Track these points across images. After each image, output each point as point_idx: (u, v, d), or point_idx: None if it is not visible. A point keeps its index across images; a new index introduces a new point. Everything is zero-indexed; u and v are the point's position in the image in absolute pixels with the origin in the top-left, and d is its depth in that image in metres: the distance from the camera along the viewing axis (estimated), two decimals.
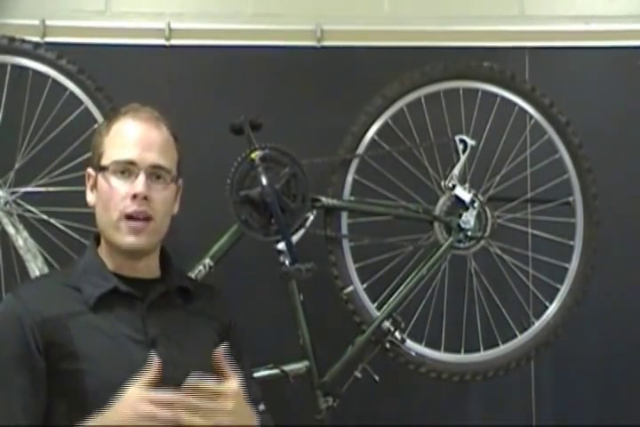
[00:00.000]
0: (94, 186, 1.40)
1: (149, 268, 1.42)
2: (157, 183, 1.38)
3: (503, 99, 2.05)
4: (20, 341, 1.28)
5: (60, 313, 1.31)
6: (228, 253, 1.90)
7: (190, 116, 2.06)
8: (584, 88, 2.31)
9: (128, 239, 1.35)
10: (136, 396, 1.19)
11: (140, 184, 1.35)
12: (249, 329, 2.12)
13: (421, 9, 2.31)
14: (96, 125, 1.87)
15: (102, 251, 1.41)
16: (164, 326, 1.36)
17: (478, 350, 2.02)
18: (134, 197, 1.35)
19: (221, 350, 1.27)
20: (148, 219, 1.36)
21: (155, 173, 1.38)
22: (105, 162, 1.37)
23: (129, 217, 1.35)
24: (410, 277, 1.95)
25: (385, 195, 2.02)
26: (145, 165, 1.36)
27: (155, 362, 1.21)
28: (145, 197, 1.35)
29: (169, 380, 1.30)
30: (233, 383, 1.25)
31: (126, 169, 1.36)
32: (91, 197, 1.41)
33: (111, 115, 1.46)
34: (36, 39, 2.08)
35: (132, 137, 1.38)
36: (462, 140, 2.00)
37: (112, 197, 1.36)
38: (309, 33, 2.24)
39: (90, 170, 1.42)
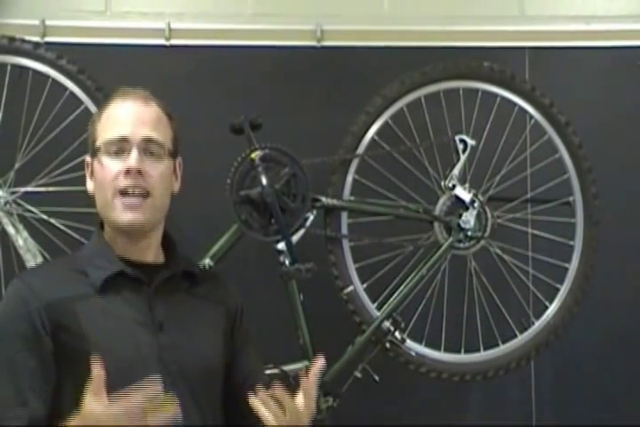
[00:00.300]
0: (92, 173, 1.39)
1: (152, 250, 1.41)
2: (151, 158, 1.35)
3: (503, 99, 2.05)
4: (27, 322, 1.29)
5: (66, 296, 1.31)
6: (228, 253, 1.90)
7: (190, 116, 2.06)
8: (584, 88, 2.31)
9: (125, 216, 1.33)
10: (99, 410, 1.17)
11: (132, 159, 1.32)
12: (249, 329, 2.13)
13: (421, 9, 2.31)
14: None
15: (107, 235, 1.40)
16: (169, 309, 1.36)
17: (478, 350, 2.02)
18: (127, 172, 1.32)
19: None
20: (144, 195, 1.34)
21: (148, 147, 1.35)
22: (97, 144, 1.36)
23: (124, 193, 1.33)
24: (410, 277, 1.95)
25: (385, 195, 2.02)
26: (137, 140, 1.34)
27: (95, 369, 1.17)
28: (139, 172, 1.33)
29: (174, 363, 1.32)
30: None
31: (119, 147, 1.34)
32: (90, 185, 1.40)
33: (103, 103, 1.45)
34: (36, 39, 2.09)
35: (123, 116, 1.37)
36: (462, 140, 2.00)
37: (105, 175, 1.34)
38: (309, 33, 2.24)
39: (87, 158, 1.41)
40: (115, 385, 1.23)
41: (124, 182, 1.32)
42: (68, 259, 1.46)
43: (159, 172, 1.36)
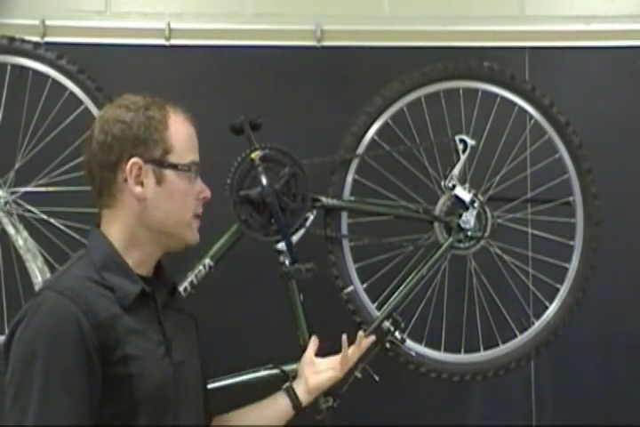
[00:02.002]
0: (149, 178, 1.35)
1: (155, 264, 1.43)
2: None
3: (503, 99, 2.05)
4: (82, 346, 1.23)
5: (107, 315, 1.27)
6: (228, 253, 1.90)
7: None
8: (584, 88, 2.31)
9: (197, 236, 1.42)
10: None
11: (207, 188, 1.43)
12: (249, 329, 2.14)
13: (421, 9, 2.31)
14: None
15: (118, 246, 1.36)
16: (171, 325, 1.37)
17: (478, 350, 2.02)
18: (204, 198, 1.43)
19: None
20: None
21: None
22: (181, 160, 1.38)
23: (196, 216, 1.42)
24: (410, 277, 1.95)
25: (385, 195, 2.02)
26: (199, 168, 1.42)
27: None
28: None
29: (183, 379, 1.34)
30: None
31: (196, 171, 1.41)
32: (140, 190, 1.35)
33: (153, 106, 1.38)
34: (36, 39, 2.08)
35: (193, 138, 1.43)
36: (462, 140, 1.99)
37: (188, 196, 1.40)
38: (309, 33, 2.24)
39: (138, 160, 1.34)
40: (150, 405, 1.27)
41: (200, 208, 1.44)
42: (82, 267, 1.34)
43: None
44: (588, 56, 2.31)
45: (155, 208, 1.36)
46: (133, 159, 1.33)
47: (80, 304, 1.24)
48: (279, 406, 1.59)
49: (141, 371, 1.27)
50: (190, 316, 1.49)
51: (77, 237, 1.92)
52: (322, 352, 1.74)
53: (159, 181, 1.35)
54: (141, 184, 1.34)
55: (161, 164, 1.35)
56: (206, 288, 1.83)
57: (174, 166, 1.36)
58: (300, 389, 1.61)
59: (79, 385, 1.22)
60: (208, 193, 1.43)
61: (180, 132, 1.39)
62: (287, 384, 1.63)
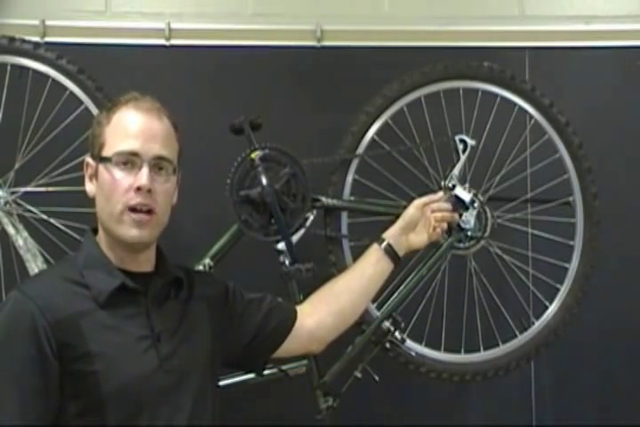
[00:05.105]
0: (93, 176, 1.39)
1: (149, 261, 1.43)
2: (160, 175, 1.37)
3: (503, 99, 2.05)
4: (35, 342, 1.26)
5: (71, 313, 1.29)
6: (228, 253, 1.90)
7: (190, 116, 2.06)
8: (584, 88, 2.31)
9: (132, 232, 1.35)
10: None
11: (144, 176, 1.34)
12: None
13: (421, 9, 2.31)
14: None
15: (102, 244, 1.39)
16: (165, 319, 1.37)
17: (478, 350, 2.02)
18: (138, 189, 1.34)
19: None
20: (150, 211, 1.36)
21: (157, 164, 1.37)
22: (107, 153, 1.36)
23: (132, 209, 1.34)
24: (410, 277, 1.95)
25: (385, 195, 2.02)
26: (148, 157, 1.35)
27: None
28: (148, 190, 1.34)
29: (173, 371, 1.34)
30: None
31: (129, 160, 1.35)
32: (90, 187, 1.40)
33: (111, 104, 1.44)
34: (36, 39, 2.08)
35: (135, 128, 1.36)
36: (462, 140, 1.99)
37: (115, 188, 1.34)
38: (309, 33, 2.25)
39: (89, 159, 1.40)
40: (119, 402, 1.27)
41: (135, 200, 1.34)
42: (64, 268, 1.40)
43: (165, 189, 1.38)
44: (588, 56, 2.31)
45: (97, 204, 1.39)
46: (86, 158, 1.40)
47: (38, 302, 1.28)
48: (384, 269, 1.77)
49: (108, 368, 1.28)
50: (202, 298, 1.47)
51: (77, 237, 1.91)
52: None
53: (94, 176, 1.39)
54: (93, 182, 1.40)
55: (96, 159, 1.39)
56: None
57: (102, 160, 1.37)
58: (400, 247, 1.79)
59: (29, 382, 1.25)
60: (140, 182, 1.33)
61: (118, 124, 1.38)
62: (384, 244, 1.78)
